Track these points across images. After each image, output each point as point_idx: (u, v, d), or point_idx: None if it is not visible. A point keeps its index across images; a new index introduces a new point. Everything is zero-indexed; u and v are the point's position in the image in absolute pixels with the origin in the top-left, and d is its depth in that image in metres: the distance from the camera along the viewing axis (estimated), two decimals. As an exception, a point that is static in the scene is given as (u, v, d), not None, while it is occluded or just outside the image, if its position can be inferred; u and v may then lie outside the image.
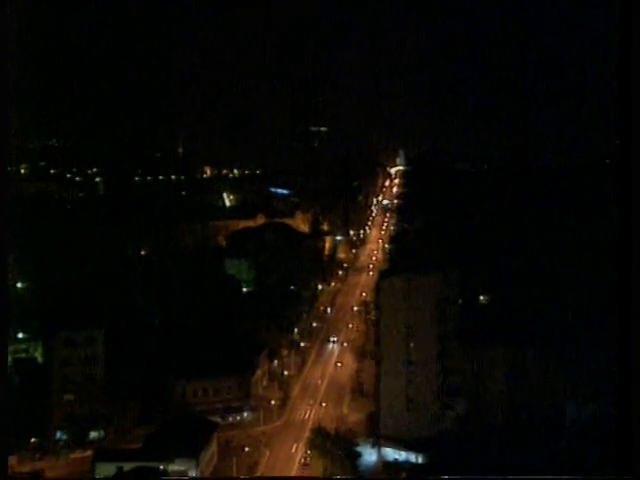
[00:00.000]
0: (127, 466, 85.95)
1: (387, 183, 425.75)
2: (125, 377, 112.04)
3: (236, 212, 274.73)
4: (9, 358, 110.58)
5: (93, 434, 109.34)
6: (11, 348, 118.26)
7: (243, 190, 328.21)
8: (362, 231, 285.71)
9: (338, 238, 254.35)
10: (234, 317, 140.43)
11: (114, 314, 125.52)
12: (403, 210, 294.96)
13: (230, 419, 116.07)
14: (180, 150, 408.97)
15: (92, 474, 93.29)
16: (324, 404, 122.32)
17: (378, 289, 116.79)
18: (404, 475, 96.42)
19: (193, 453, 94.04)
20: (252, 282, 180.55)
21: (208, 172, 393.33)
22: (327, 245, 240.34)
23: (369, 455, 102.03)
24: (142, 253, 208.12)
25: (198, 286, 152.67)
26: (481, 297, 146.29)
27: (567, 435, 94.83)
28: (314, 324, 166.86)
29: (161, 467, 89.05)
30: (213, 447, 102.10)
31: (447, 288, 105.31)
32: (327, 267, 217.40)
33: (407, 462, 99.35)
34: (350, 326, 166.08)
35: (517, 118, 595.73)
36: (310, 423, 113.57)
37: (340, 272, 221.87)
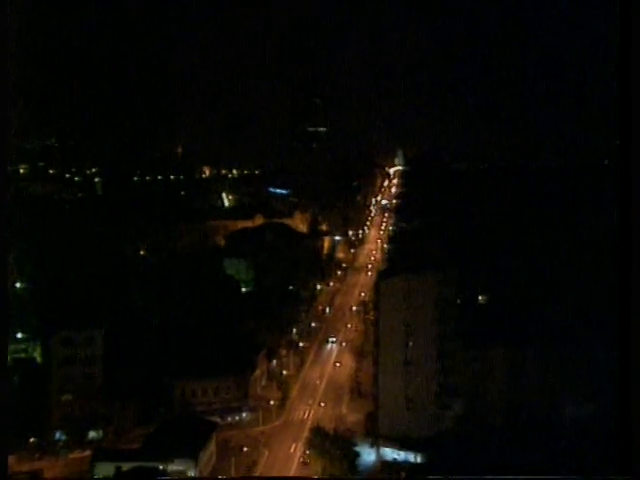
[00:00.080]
0: (126, 466, 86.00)
1: (386, 183, 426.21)
2: (124, 377, 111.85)
3: (235, 212, 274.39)
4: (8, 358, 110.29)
5: (92, 434, 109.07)
6: (10, 348, 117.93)
7: (242, 190, 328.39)
8: (361, 231, 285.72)
9: (337, 238, 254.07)
10: (233, 317, 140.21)
11: (113, 314, 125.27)
12: (402, 210, 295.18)
13: (229, 419, 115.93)
14: (179, 150, 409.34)
15: (91, 474, 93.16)
16: (323, 404, 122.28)
17: (377, 289, 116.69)
18: (403, 475, 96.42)
19: (192, 453, 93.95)
20: (251, 282, 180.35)
21: (207, 172, 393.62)
22: (326, 245, 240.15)
23: (368, 455, 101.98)
24: (141, 253, 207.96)
25: (197, 286, 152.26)
26: (480, 297, 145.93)
27: (567, 435, 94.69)
28: (313, 324, 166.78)
29: (160, 467, 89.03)
30: (212, 447, 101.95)
31: (446, 288, 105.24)
32: (326, 267, 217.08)
33: (406, 462, 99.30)
34: (349, 326, 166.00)
35: (517, 118, 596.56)
36: (309, 423, 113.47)
37: (339, 272, 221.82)
